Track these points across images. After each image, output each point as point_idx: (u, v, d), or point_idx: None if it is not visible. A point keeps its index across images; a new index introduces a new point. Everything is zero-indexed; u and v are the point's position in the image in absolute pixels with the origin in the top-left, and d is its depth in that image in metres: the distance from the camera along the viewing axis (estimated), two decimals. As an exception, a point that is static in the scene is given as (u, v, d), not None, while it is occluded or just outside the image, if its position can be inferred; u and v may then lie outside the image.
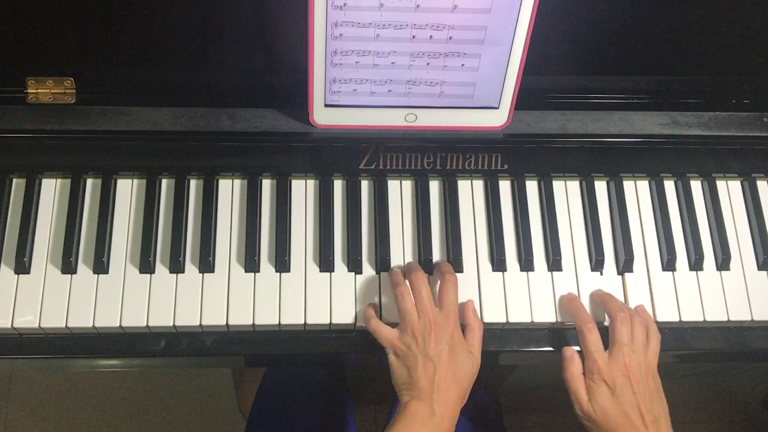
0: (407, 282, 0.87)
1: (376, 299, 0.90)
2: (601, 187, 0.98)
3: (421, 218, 0.94)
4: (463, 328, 0.87)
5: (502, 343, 0.92)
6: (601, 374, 0.83)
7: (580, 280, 0.93)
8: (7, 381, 1.70)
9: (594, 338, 0.85)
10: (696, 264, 0.94)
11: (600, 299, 0.91)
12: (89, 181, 0.94)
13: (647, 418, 0.82)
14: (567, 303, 0.91)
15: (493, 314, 0.90)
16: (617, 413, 0.82)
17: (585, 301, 0.92)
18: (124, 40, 0.88)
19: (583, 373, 0.86)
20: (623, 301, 0.92)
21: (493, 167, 0.94)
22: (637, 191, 0.99)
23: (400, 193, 0.96)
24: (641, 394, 0.83)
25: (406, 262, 0.92)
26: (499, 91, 0.87)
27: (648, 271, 0.94)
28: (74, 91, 0.90)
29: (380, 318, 0.88)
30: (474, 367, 0.85)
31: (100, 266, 0.89)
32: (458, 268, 0.92)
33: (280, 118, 0.91)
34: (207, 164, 0.94)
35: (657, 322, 0.91)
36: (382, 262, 0.91)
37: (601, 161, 0.97)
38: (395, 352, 0.84)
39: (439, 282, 0.88)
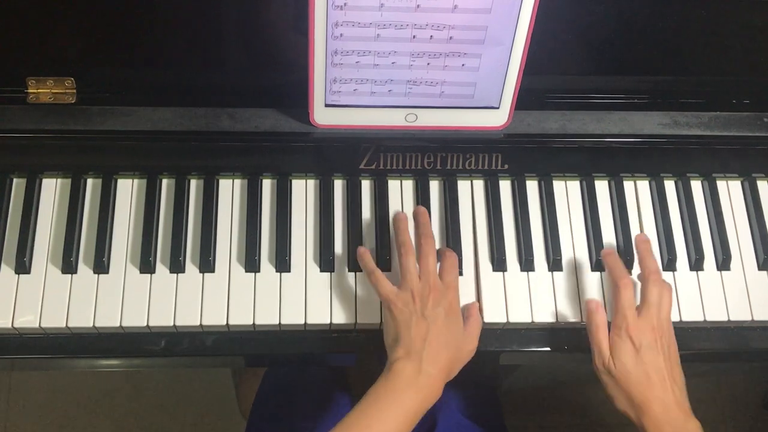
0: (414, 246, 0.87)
1: (377, 298, 0.90)
2: (601, 186, 0.98)
3: (422, 218, 0.94)
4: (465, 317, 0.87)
5: (502, 343, 0.92)
6: (629, 331, 0.83)
7: (580, 280, 0.93)
8: (7, 381, 1.70)
9: (628, 294, 0.85)
10: (696, 264, 0.95)
11: (639, 251, 0.90)
12: (89, 181, 0.94)
13: (669, 381, 0.81)
14: (605, 256, 0.91)
15: (493, 314, 0.90)
16: (639, 372, 0.81)
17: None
18: (124, 40, 0.88)
19: (608, 329, 0.85)
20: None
21: (493, 167, 0.94)
22: (637, 191, 0.99)
23: (400, 192, 0.96)
24: (666, 357, 0.82)
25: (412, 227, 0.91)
26: (500, 91, 0.87)
27: (648, 271, 0.94)
28: (74, 91, 0.90)
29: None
30: (466, 347, 0.84)
31: (101, 266, 0.89)
32: (458, 267, 0.92)
33: (281, 118, 0.91)
34: (207, 164, 0.94)
35: (657, 322, 0.92)
36: (382, 262, 0.91)
37: (602, 161, 0.97)
38: (391, 307, 0.83)
39: (440, 261, 0.88)
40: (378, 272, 0.86)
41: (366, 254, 0.88)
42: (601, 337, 0.85)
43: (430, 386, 0.79)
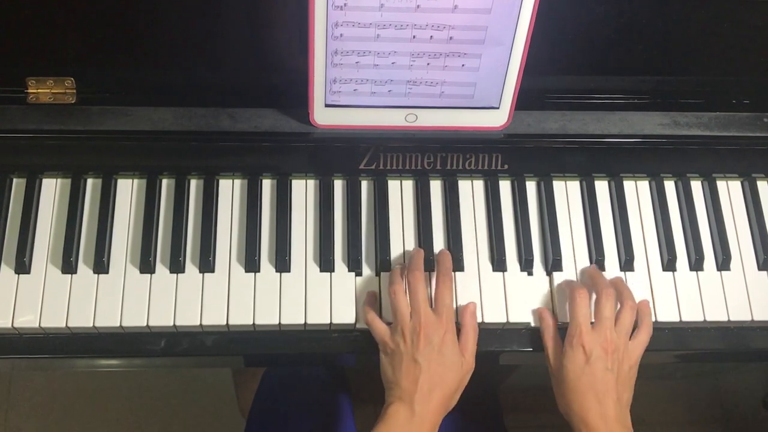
0: (406, 280, 0.87)
1: (376, 298, 0.90)
2: (601, 187, 0.98)
3: (422, 218, 0.94)
4: (459, 328, 0.87)
5: (502, 343, 0.92)
6: (581, 339, 0.83)
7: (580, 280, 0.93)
8: (7, 381, 1.70)
9: (583, 306, 0.85)
10: (696, 264, 0.94)
11: (590, 274, 0.91)
12: (89, 181, 0.94)
13: (611, 396, 0.81)
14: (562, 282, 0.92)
15: (493, 314, 0.90)
16: (584, 381, 0.82)
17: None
18: (124, 40, 0.88)
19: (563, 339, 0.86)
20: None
21: (493, 167, 0.94)
22: (637, 191, 0.99)
23: (400, 193, 0.96)
24: (614, 374, 0.83)
25: (408, 253, 0.92)
26: (500, 91, 0.87)
27: (648, 271, 0.94)
28: (74, 91, 0.90)
29: (380, 316, 0.88)
30: (463, 371, 0.84)
31: (100, 266, 0.89)
32: (458, 267, 0.92)
33: (281, 118, 0.91)
34: (207, 164, 0.94)
35: (657, 322, 0.92)
36: (382, 262, 0.91)
37: (602, 161, 0.97)
38: (385, 349, 0.84)
39: (435, 281, 0.88)
40: (372, 313, 0.87)
41: (370, 296, 0.89)
42: (548, 341, 0.87)
43: (424, 427, 0.80)
